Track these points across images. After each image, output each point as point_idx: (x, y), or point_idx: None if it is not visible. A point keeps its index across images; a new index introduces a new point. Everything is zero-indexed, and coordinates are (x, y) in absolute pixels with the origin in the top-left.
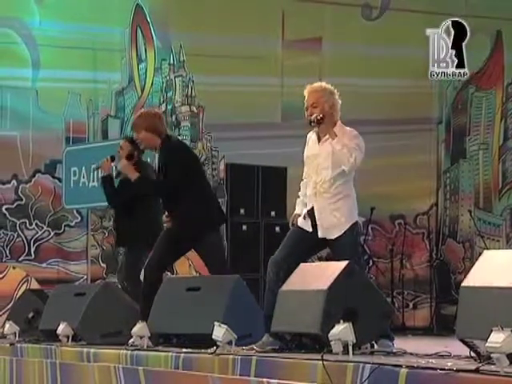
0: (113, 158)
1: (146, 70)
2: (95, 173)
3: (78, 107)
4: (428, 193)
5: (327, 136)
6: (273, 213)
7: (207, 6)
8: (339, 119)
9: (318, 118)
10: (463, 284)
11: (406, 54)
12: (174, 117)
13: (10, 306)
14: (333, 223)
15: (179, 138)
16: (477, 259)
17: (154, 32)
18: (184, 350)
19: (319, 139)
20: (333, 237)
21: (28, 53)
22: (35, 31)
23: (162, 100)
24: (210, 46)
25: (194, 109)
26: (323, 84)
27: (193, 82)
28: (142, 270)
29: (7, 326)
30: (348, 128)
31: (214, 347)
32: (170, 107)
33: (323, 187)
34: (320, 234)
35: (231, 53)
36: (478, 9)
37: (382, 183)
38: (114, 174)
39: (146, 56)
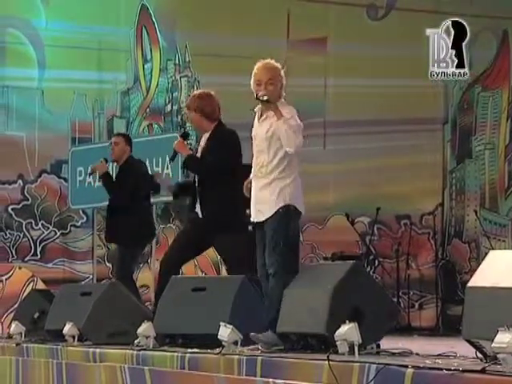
0: (106, 160)
1: (152, 70)
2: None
3: (83, 107)
4: (434, 193)
5: (265, 115)
6: None
7: (212, 6)
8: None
9: (265, 99)
10: (469, 284)
11: (412, 54)
12: (179, 117)
13: (16, 306)
14: (264, 205)
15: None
16: (483, 259)
17: (160, 32)
18: (189, 350)
19: (260, 117)
20: (262, 219)
21: (34, 53)
22: (41, 32)
23: (167, 100)
24: (215, 46)
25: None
26: (273, 62)
27: (198, 82)
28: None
29: (13, 326)
30: (287, 106)
31: (220, 347)
32: (175, 107)
33: (261, 171)
34: (252, 218)
35: (236, 53)
36: (484, 8)
37: (388, 183)
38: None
39: (152, 56)
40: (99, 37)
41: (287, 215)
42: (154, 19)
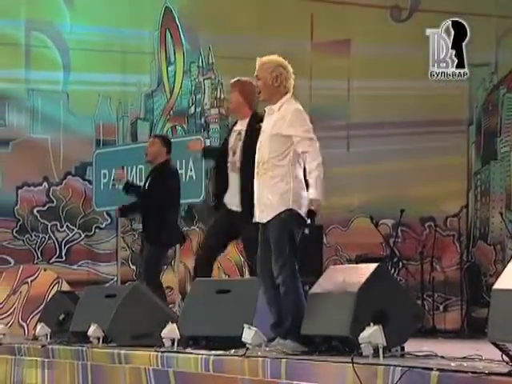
0: (123, 167)
1: (175, 72)
2: (125, 175)
3: (107, 110)
4: (458, 195)
5: (270, 111)
6: None
7: (235, 8)
8: (290, 93)
9: (260, 99)
10: (495, 286)
11: None
12: (202, 119)
13: (41, 307)
14: (266, 205)
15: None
16: (508, 261)
17: (183, 34)
18: (214, 352)
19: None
20: (264, 220)
21: (59, 56)
22: (66, 35)
23: (190, 102)
24: (238, 48)
25: (223, 111)
26: (273, 56)
27: (222, 84)
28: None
29: (39, 327)
30: (295, 105)
31: (244, 349)
32: (198, 110)
33: (264, 168)
34: (256, 218)
35: (260, 55)
36: (508, 9)
37: (412, 185)
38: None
39: (175, 58)
40: (123, 39)
41: (290, 221)
42: (177, 22)
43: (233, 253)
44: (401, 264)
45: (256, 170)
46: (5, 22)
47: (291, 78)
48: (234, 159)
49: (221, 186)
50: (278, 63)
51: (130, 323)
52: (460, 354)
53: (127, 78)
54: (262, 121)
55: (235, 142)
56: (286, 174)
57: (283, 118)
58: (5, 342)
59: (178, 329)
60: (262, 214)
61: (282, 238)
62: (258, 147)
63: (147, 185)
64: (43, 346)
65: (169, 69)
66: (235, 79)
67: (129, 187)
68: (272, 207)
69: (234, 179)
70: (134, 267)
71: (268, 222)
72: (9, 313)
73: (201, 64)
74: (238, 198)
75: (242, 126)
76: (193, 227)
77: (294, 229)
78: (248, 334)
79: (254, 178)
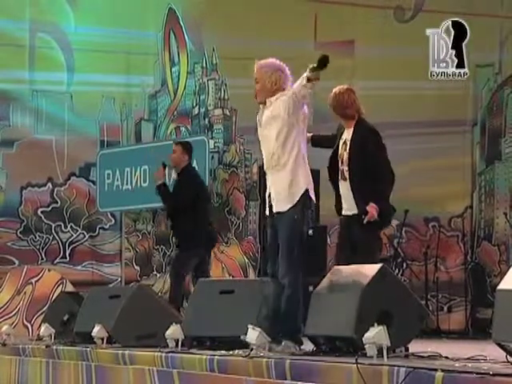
0: (164, 165)
1: (179, 73)
2: (129, 176)
3: (111, 111)
4: (463, 195)
5: (268, 102)
6: None
7: (239, 9)
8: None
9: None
10: (499, 287)
11: None
12: (206, 120)
13: (45, 308)
14: (280, 196)
15: None
16: None
17: (187, 35)
18: (218, 352)
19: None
20: (281, 210)
21: (63, 57)
22: (70, 36)
23: (194, 103)
24: (242, 48)
25: (227, 112)
26: (271, 60)
27: (226, 84)
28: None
29: (43, 328)
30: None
31: (248, 350)
32: (202, 110)
33: (273, 159)
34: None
35: (264, 55)
36: None
37: (417, 185)
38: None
39: (179, 59)
40: (127, 40)
41: (299, 220)
42: (181, 22)
43: (236, 253)
44: (405, 264)
45: (267, 165)
46: (9, 22)
47: (289, 80)
48: (343, 168)
49: (336, 197)
50: (277, 67)
51: (134, 324)
52: (464, 354)
53: (131, 78)
54: (367, 127)
55: (341, 151)
56: (295, 161)
57: (277, 100)
58: (9, 343)
59: (182, 329)
60: (273, 207)
61: (292, 237)
62: (261, 143)
63: (172, 190)
64: (47, 346)
65: (173, 69)
66: (333, 94)
67: (162, 188)
68: (282, 202)
69: (344, 187)
70: (137, 268)
71: (278, 216)
72: (13, 313)
73: (205, 65)
74: (353, 203)
75: (348, 134)
76: None
77: (303, 229)
78: (252, 335)
79: (362, 186)
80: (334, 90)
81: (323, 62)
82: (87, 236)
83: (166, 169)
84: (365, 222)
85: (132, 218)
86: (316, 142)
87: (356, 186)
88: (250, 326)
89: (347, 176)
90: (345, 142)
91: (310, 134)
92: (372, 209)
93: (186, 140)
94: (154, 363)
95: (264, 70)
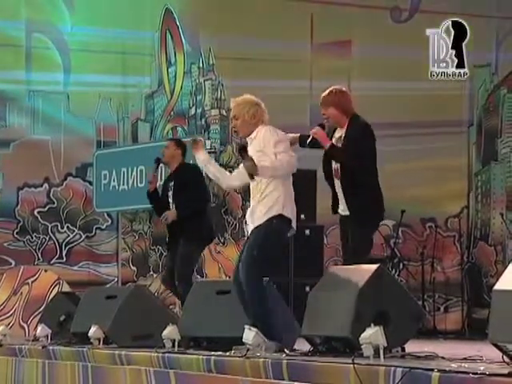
0: (159, 161)
1: (176, 73)
2: (126, 176)
3: (108, 111)
4: (459, 195)
5: (250, 140)
6: (302, 215)
7: (236, 9)
8: (264, 123)
9: (234, 130)
10: (495, 287)
11: None
12: (203, 120)
13: (42, 308)
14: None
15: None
16: (509, 262)
17: (184, 35)
18: (215, 352)
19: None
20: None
21: (59, 57)
22: (66, 36)
23: (191, 103)
24: (239, 49)
25: (224, 112)
26: (247, 97)
27: (222, 85)
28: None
29: (39, 328)
30: (264, 129)
31: (245, 350)
32: (199, 110)
33: (256, 189)
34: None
35: (260, 56)
36: (509, 10)
37: (413, 186)
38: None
39: (176, 59)
40: (123, 41)
41: (272, 223)
42: (178, 23)
43: (233, 253)
44: (401, 265)
45: (252, 195)
46: (5, 23)
47: (265, 112)
48: (336, 166)
49: (333, 196)
50: (253, 102)
51: (131, 324)
52: (461, 354)
53: (128, 79)
54: (361, 123)
55: None
56: (275, 189)
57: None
58: (5, 343)
59: (179, 330)
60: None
61: (258, 240)
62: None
63: (172, 189)
64: (44, 346)
65: (169, 70)
66: (324, 95)
67: (152, 194)
68: (260, 217)
69: (338, 186)
70: (134, 268)
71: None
72: (9, 314)
73: (201, 65)
74: (345, 203)
75: (340, 132)
76: None
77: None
78: (248, 335)
79: (354, 183)
80: (329, 89)
81: (241, 152)
82: (84, 236)
83: (160, 166)
84: (308, 141)
85: (128, 218)
86: (304, 142)
87: (345, 183)
88: (246, 327)
89: (340, 174)
90: (337, 141)
91: (297, 135)
92: (317, 128)
93: (177, 137)
94: (150, 363)
95: (241, 107)
